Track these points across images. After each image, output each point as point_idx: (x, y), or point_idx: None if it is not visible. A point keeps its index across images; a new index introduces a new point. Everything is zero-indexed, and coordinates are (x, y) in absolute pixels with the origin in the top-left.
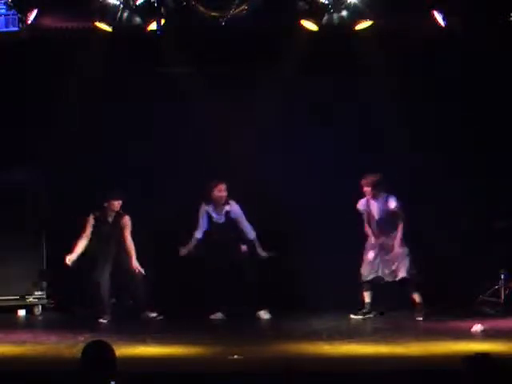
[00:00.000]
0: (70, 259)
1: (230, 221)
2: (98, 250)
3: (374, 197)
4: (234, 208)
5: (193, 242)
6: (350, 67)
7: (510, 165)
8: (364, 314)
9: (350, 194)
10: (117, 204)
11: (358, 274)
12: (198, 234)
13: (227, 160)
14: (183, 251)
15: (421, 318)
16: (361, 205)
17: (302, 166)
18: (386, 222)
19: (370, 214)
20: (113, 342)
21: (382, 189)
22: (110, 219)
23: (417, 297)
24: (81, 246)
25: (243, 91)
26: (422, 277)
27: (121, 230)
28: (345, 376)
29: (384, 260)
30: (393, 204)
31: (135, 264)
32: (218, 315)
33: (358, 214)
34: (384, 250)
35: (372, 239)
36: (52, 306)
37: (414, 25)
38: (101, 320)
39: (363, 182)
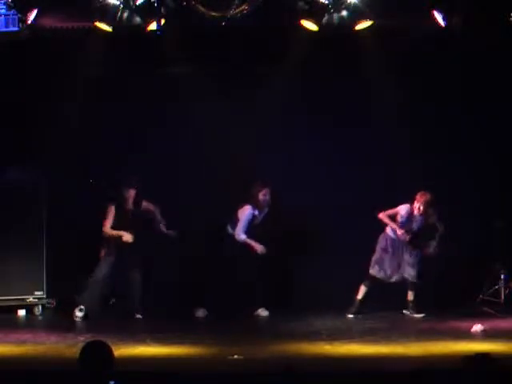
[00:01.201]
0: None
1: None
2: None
3: (422, 213)
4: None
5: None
6: (350, 67)
7: (510, 164)
8: (356, 312)
9: (350, 195)
10: (132, 192)
11: (367, 269)
12: (243, 236)
13: (227, 160)
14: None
15: (408, 313)
16: (403, 211)
17: (302, 165)
18: (420, 235)
19: (409, 223)
20: (113, 342)
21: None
22: (130, 207)
23: (410, 295)
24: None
25: (243, 91)
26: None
27: (141, 217)
28: (345, 376)
29: (400, 262)
30: (433, 220)
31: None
32: (261, 311)
33: (358, 214)
34: (401, 252)
35: (395, 234)
36: (52, 306)
37: (413, 25)
38: (77, 313)
39: (421, 198)
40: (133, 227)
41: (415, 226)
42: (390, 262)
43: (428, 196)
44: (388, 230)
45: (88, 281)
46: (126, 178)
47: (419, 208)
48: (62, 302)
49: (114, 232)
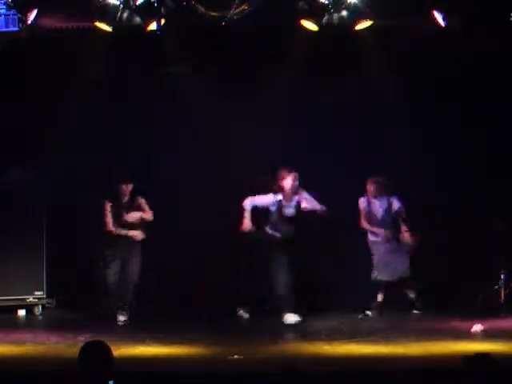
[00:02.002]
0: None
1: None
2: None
3: (376, 196)
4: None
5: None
6: (350, 67)
7: (510, 165)
8: (379, 311)
9: (350, 195)
10: (127, 187)
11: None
12: (248, 206)
13: (227, 160)
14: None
15: (416, 312)
16: (361, 202)
17: (302, 166)
18: (389, 222)
19: (370, 212)
20: (113, 342)
21: (384, 189)
22: (125, 202)
23: (411, 292)
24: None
25: (243, 91)
26: (420, 280)
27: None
28: (345, 376)
29: (392, 259)
30: (396, 205)
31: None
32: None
33: (358, 214)
34: (391, 248)
35: (376, 236)
36: (52, 306)
37: (413, 25)
38: (119, 320)
39: (368, 181)
40: (129, 223)
41: (378, 211)
42: (380, 261)
43: (374, 178)
44: (368, 235)
45: (103, 288)
46: (120, 173)
47: (368, 190)
48: (61, 301)
49: (123, 231)
